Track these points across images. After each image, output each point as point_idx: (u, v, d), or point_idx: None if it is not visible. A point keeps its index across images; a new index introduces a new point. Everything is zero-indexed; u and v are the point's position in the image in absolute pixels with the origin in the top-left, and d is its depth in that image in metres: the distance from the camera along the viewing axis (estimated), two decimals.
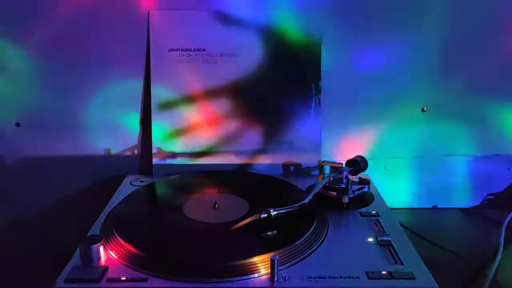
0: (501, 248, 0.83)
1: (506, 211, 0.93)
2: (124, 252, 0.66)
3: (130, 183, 0.93)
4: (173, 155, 0.98)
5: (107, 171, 1.00)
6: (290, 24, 0.96)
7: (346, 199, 0.81)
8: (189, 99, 0.97)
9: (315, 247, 0.68)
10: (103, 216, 0.78)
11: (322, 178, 0.82)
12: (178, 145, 0.98)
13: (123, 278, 0.61)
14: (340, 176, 0.83)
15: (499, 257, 0.81)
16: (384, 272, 0.62)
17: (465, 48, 0.97)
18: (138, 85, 0.98)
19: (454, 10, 0.95)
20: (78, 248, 0.66)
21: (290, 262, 0.64)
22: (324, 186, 0.82)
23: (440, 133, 1.01)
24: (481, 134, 1.01)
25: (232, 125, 0.98)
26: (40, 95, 0.98)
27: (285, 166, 0.98)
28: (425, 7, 0.95)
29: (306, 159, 0.98)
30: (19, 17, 0.94)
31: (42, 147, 1.00)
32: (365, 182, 0.86)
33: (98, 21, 0.95)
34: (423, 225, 0.93)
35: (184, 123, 0.98)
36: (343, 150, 0.99)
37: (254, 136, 0.98)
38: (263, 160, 0.98)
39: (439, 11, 0.95)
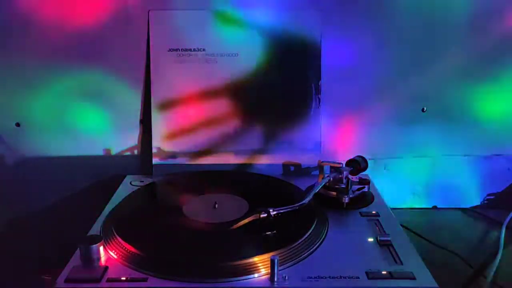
0: (501, 248, 0.83)
1: (506, 211, 0.93)
2: (124, 252, 0.66)
3: (130, 183, 0.93)
4: (173, 155, 0.98)
5: (107, 171, 1.00)
6: (290, 24, 0.96)
7: (346, 199, 0.81)
8: (189, 99, 0.97)
9: (315, 247, 0.68)
10: (103, 216, 0.78)
11: (322, 178, 0.82)
12: (178, 145, 0.98)
13: (123, 278, 0.61)
14: (340, 176, 0.83)
15: (499, 257, 0.81)
16: (384, 272, 0.62)
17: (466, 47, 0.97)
18: (138, 85, 0.98)
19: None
20: (78, 248, 0.66)
21: (290, 262, 0.64)
22: (324, 186, 0.82)
23: (440, 133, 1.01)
24: (481, 134, 1.01)
25: (232, 125, 0.98)
26: (40, 95, 0.98)
27: (285, 166, 0.98)
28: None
29: (306, 159, 0.98)
30: (19, 19, 0.94)
31: (42, 147, 1.00)
32: (365, 182, 0.86)
33: (98, 21, 0.95)
34: (423, 225, 0.93)
35: (184, 123, 0.98)
36: (343, 150, 0.99)
37: (254, 136, 0.98)
38: (263, 160, 0.98)
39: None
